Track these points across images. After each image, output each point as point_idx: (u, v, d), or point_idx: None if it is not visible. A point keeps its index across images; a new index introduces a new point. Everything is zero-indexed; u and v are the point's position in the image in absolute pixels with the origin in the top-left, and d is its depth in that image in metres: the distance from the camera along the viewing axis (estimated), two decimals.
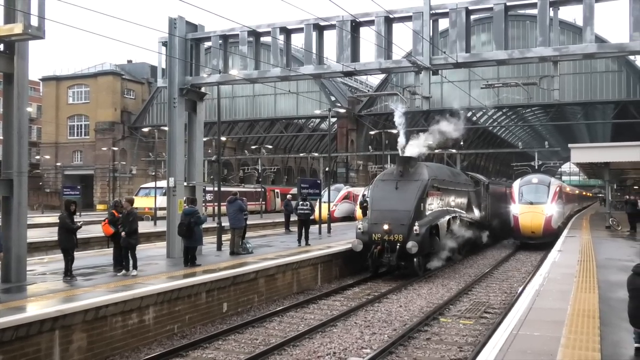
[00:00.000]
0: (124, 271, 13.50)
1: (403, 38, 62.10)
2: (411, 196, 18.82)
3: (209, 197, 40.34)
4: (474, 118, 60.88)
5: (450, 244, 20.85)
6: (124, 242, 13.49)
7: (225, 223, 19.78)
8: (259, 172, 64.34)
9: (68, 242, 12.84)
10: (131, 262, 13.54)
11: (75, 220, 13.25)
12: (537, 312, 9.61)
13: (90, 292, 11.28)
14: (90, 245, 25.08)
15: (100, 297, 10.70)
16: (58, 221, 13.18)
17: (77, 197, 48.31)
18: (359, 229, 18.99)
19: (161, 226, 28.06)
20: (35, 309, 9.73)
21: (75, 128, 70.76)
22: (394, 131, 49.67)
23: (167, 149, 18.03)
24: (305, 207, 21.27)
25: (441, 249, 19.90)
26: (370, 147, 59.40)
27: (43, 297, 10.83)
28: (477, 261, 23.71)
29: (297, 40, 18.25)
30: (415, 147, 21.16)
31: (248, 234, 20.37)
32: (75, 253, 13.25)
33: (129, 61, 75.47)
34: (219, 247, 18.95)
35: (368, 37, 16.71)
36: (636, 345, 7.44)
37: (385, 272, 19.17)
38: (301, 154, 74.30)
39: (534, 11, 15.34)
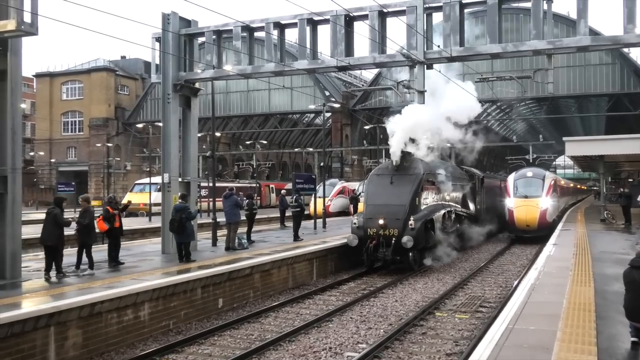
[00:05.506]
0: (73, 269, 13.09)
1: (397, 32, 62.05)
2: (406, 190, 18.80)
3: (203, 192, 40.33)
4: None
5: (445, 238, 20.85)
6: (80, 240, 13.19)
7: (221, 219, 19.75)
8: (254, 168, 64.23)
9: (60, 238, 12.55)
10: (87, 261, 13.10)
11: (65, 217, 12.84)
12: (532, 306, 9.62)
13: (85, 288, 11.25)
14: None
15: (96, 293, 10.68)
16: (51, 217, 12.41)
17: (71, 193, 48.38)
18: (354, 223, 18.96)
19: (156, 222, 28.02)
20: (30, 305, 9.70)
21: (69, 124, 70.43)
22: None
23: (161, 144, 17.98)
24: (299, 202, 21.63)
25: (436, 244, 19.90)
26: (364, 141, 59.33)
27: (38, 293, 10.80)
28: (472, 255, 23.73)
29: (291, 35, 18.24)
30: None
31: (243, 230, 20.14)
32: (67, 249, 13.16)
33: (123, 57, 75.07)
34: (214, 243, 18.92)
35: (362, 32, 16.70)
36: (632, 338, 7.45)
37: (380, 266, 19.18)
38: (296, 149, 74.22)
39: (528, 4, 15.34)
